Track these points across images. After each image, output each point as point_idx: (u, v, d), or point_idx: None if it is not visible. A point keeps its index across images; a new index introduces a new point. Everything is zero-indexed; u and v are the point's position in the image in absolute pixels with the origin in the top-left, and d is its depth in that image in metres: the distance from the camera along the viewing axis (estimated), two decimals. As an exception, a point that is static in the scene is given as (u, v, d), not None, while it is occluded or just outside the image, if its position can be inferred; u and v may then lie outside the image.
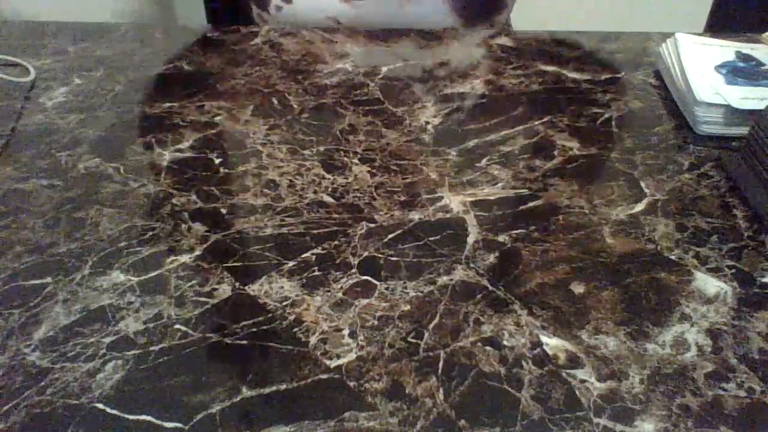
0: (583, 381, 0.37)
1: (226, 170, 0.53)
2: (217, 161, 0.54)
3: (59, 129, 0.57)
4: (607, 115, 0.61)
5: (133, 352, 0.38)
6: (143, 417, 0.35)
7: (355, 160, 0.54)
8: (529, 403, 0.36)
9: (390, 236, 0.47)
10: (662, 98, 0.64)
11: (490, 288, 0.43)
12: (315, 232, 0.47)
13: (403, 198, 0.50)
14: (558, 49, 0.73)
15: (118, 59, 0.68)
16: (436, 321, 0.40)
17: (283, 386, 0.36)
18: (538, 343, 0.39)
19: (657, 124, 0.60)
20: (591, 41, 0.75)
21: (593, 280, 0.43)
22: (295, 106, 0.61)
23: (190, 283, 0.42)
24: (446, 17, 0.79)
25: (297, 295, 0.42)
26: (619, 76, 0.67)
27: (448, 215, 0.49)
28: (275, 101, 0.62)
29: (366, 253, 0.45)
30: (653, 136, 0.58)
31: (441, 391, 0.36)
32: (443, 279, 0.43)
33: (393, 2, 0.77)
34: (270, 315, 0.40)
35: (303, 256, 0.45)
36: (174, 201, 0.49)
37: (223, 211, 0.48)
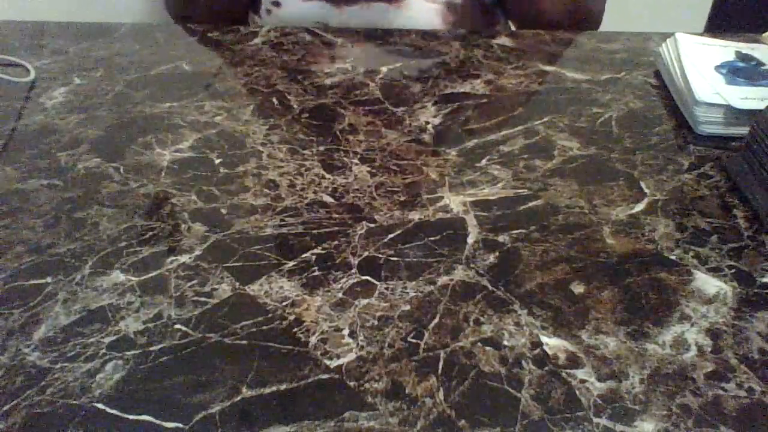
0: (583, 381, 0.37)
1: (226, 170, 0.53)
2: (217, 161, 0.54)
3: (59, 129, 0.57)
4: (607, 115, 0.61)
5: (133, 352, 0.38)
6: (143, 417, 0.35)
7: (355, 160, 0.54)
8: (529, 403, 0.36)
9: (390, 236, 0.47)
10: (662, 98, 0.64)
11: (490, 288, 0.43)
12: (315, 232, 0.47)
13: (403, 198, 0.50)
14: (558, 49, 0.73)
15: (118, 59, 0.68)
16: (436, 321, 0.40)
17: (283, 386, 0.36)
18: (538, 343, 0.39)
19: (657, 124, 0.60)
20: (591, 41, 0.75)
21: (593, 280, 0.43)
22: (295, 106, 0.61)
23: (190, 283, 0.42)
24: (434, 24, 0.79)
25: (297, 295, 0.42)
26: (619, 76, 0.68)
27: (448, 215, 0.49)
28: (275, 101, 0.62)
29: (366, 253, 0.45)
30: (653, 136, 0.58)
31: (441, 391, 0.36)
32: (443, 279, 0.43)
33: (381, 8, 0.76)
34: (270, 315, 0.40)
35: (303, 256, 0.45)
36: (174, 201, 0.49)
37: (223, 211, 0.48)
